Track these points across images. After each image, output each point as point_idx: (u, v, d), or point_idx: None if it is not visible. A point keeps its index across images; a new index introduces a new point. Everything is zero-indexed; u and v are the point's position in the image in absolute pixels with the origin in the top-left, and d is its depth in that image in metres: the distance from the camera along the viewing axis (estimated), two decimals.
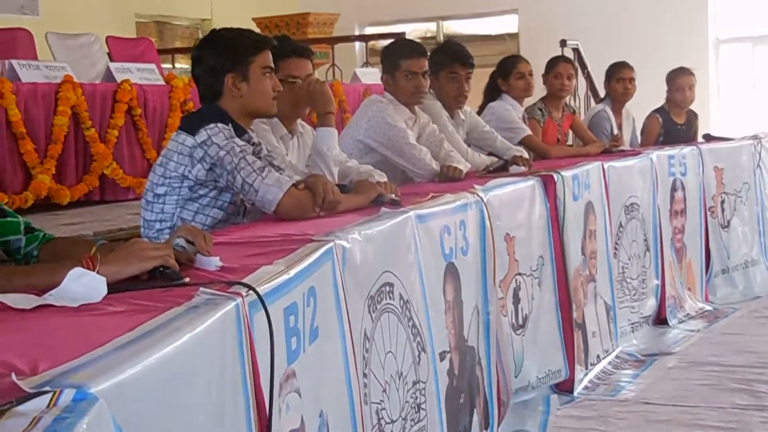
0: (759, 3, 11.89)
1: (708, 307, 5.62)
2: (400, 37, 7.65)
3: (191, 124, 3.08)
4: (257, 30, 6.67)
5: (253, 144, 3.18)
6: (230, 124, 3.07)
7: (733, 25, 12.01)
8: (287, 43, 3.66)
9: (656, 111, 6.75)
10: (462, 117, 5.01)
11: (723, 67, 12.06)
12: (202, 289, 1.75)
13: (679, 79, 6.63)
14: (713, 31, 11.96)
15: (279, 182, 2.99)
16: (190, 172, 3.03)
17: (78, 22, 9.18)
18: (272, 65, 3.20)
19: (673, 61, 7.19)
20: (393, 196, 3.33)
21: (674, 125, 6.68)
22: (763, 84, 12.00)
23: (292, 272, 2.01)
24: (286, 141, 3.68)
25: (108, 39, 8.72)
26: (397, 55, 4.42)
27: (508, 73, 5.68)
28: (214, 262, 2.13)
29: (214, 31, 3.23)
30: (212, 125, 3.02)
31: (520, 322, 3.86)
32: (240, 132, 3.11)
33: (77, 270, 1.81)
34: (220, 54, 3.13)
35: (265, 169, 3.01)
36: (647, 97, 6.69)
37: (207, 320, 1.62)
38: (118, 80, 6.34)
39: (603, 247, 4.59)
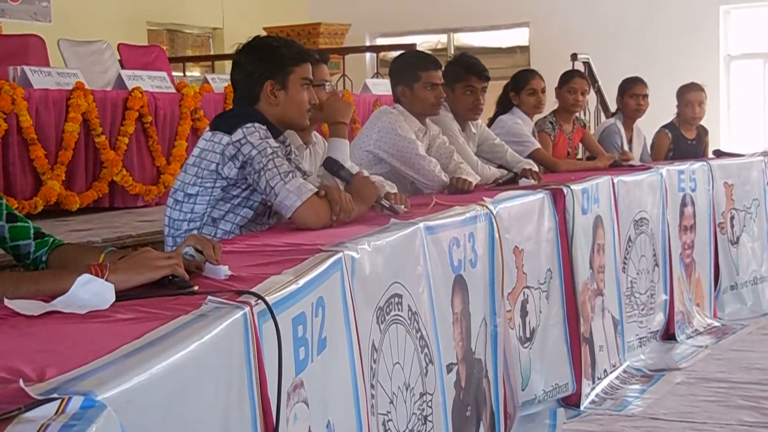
0: None
1: (716, 323, 5.60)
2: (413, 49, 7.65)
3: (228, 123, 3.09)
4: None
5: (286, 146, 3.20)
6: (266, 126, 3.08)
7: (744, 42, 11.99)
8: (316, 51, 3.72)
9: (666, 126, 6.73)
10: (473, 130, 5.02)
11: (734, 84, 12.04)
12: (210, 297, 1.75)
13: (689, 95, 6.62)
14: (724, 48, 11.95)
15: (300, 190, 3.00)
16: (222, 170, 3.04)
17: (90, 29, 9.21)
18: (311, 78, 3.24)
19: (683, 76, 7.18)
20: (392, 202, 3.33)
21: (684, 141, 6.67)
22: None
23: (301, 282, 2.01)
24: (301, 152, 3.70)
25: (119, 46, 8.74)
26: (416, 67, 4.43)
27: (520, 88, 5.68)
28: (223, 271, 2.13)
29: (257, 37, 3.27)
30: (249, 124, 3.04)
31: (528, 335, 3.85)
32: (275, 133, 3.13)
33: (85, 276, 1.81)
34: (262, 60, 3.16)
35: (290, 174, 3.02)
36: (656, 112, 6.67)
37: (214, 329, 1.62)
38: (129, 87, 6.35)
39: (611, 261, 4.58)
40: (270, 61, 3.16)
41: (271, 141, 3.05)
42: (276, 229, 3.12)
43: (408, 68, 4.45)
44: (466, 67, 4.83)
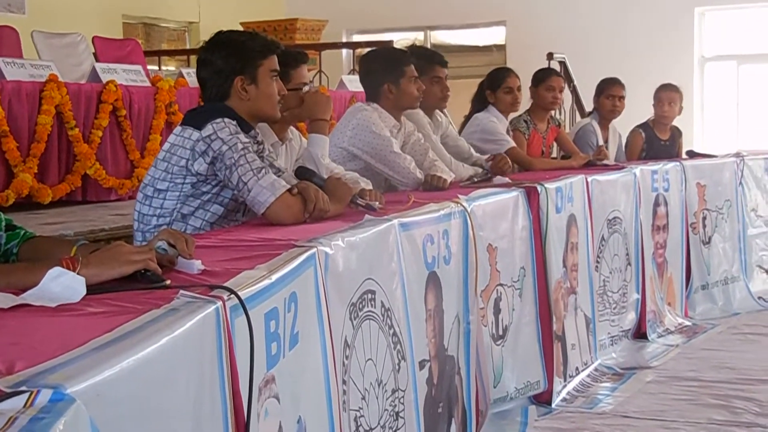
0: (745, 22, 11.97)
1: (687, 323, 5.64)
2: (386, 46, 7.66)
3: (198, 118, 3.08)
4: None
5: (257, 142, 3.19)
6: (236, 121, 3.07)
7: (718, 44, 12.08)
8: (296, 53, 3.74)
9: (640, 126, 6.77)
10: (439, 119, 5.07)
11: (708, 85, 12.13)
12: (182, 291, 1.74)
13: (659, 94, 6.67)
14: (698, 49, 12.03)
15: (273, 186, 2.99)
16: (192, 165, 3.02)
17: (64, 21, 9.15)
18: (278, 69, 3.22)
19: (657, 77, 7.22)
20: (367, 200, 3.33)
21: (658, 141, 6.71)
22: (747, 102, 12.08)
23: (274, 277, 2.00)
24: (277, 148, 3.69)
25: (94, 39, 8.68)
26: (400, 62, 4.44)
27: (496, 86, 5.68)
28: (195, 266, 2.12)
29: (220, 33, 3.23)
30: (219, 120, 3.02)
31: (500, 332, 3.87)
32: (246, 128, 3.12)
33: (56, 269, 1.80)
34: (230, 56, 3.14)
35: (263, 170, 3.01)
36: (630, 112, 6.70)
37: (186, 323, 1.61)
38: (104, 80, 6.32)
39: (584, 259, 4.60)
40: (238, 56, 3.14)
41: (242, 136, 3.04)
42: (249, 224, 3.11)
43: (393, 64, 4.44)
44: (428, 58, 4.93)
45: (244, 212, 3.18)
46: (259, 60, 3.16)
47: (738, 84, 12.12)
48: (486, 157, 5.06)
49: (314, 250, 2.33)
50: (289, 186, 3.03)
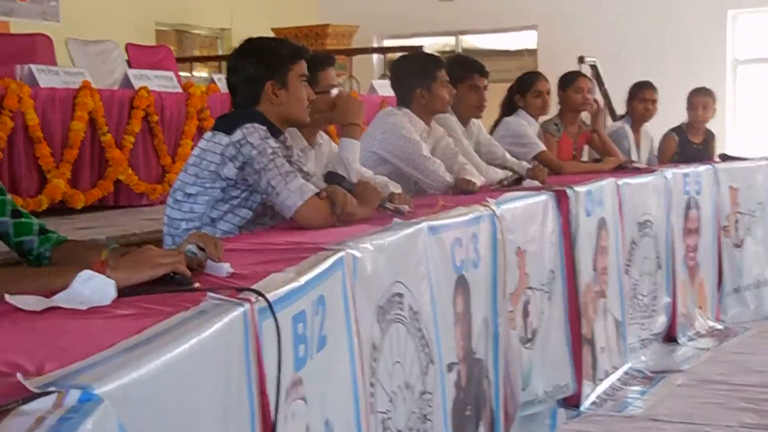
0: None
1: (718, 326, 5.60)
2: (417, 51, 7.66)
3: (228, 124, 3.11)
4: None
5: (286, 147, 3.22)
6: (266, 126, 3.10)
7: (751, 46, 11.98)
8: (323, 56, 3.77)
9: (673, 130, 6.74)
10: (471, 127, 5.06)
11: (740, 88, 12.02)
12: (210, 294, 1.76)
13: (693, 98, 6.64)
14: (731, 52, 11.94)
15: (301, 189, 3.02)
16: (221, 170, 3.06)
17: (98, 28, 9.23)
18: (307, 74, 3.26)
19: (690, 80, 7.18)
20: (395, 204, 3.34)
21: (690, 145, 6.67)
22: None
23: (302, 280, 2.02)
24: (306, 152, 3.71)
25: (127, 46, 8.77)
26: (433, 66, 4.46)
27: (525, 90, 5.68)
28: (224, 269, 2.14)
29: (250, 40, 3.28)
30: (248, 125, 3.06)
31: (529, 335, 3.86)
32: (276, 133, 3.15)
33: (86, 272, 1.82)
34: (260, 62, 3.18)
35: (291, 174, 3.04)
36: (662, 115, 6.67)
37: (214, 325, 1.63)
38: (136, 87, 6.37)
39: (614, 263, 4.58)
40: (269, 62, 3.18)
41: (271, 141, 3.06)
42: (278, 227, 3.13)
43: (426, 68, 4.46)
44: (468, 66, 4.90)
45: (272, 216, 3.20)
46: (289, 65, 3.20)
47: None
48: (527, 168, 5.02)
49: (343, 253, 2.35)
50: (317, 190, 3.05)
